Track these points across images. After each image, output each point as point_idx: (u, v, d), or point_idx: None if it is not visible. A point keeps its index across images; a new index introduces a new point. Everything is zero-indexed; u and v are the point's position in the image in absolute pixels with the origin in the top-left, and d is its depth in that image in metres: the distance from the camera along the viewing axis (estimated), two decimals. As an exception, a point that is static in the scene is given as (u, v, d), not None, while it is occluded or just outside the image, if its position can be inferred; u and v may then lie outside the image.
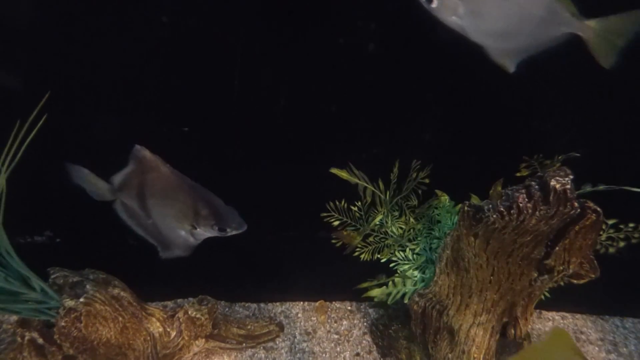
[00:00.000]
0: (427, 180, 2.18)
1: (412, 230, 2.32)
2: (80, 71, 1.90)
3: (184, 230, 1.77)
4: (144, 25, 1.84)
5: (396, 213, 2.30)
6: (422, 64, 1.97)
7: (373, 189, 2.20)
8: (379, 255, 2.31)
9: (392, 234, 2.30)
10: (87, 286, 1.89)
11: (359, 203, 2.24)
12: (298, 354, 2.38)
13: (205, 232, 1.75)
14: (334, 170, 2.13)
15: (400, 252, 2.32)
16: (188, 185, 1.72)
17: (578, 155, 1.94)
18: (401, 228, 2.31)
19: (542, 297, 2.11)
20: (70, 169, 1.76)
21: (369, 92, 2.06)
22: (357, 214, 2.27)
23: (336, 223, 2.26)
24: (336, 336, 2.48)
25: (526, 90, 1.98)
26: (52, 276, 1.90)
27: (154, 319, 2.09)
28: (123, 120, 2.00)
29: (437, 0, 1.40)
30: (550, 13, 1.34)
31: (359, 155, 2.19)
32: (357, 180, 2.15)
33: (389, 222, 2.29)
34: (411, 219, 2.32)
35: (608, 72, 1.50)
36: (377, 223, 2.28)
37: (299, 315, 2.58)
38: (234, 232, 1.74)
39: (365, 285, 2.41)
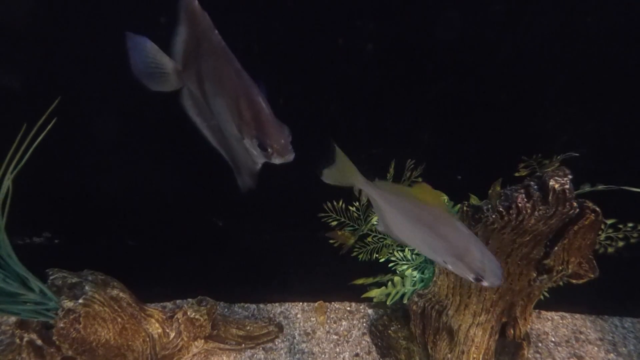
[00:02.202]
0: (419, 180, 2.18)
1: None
2: (80, 73, 1.90)
3: (238, 141, 1.27)
4: (143, 25, 1.84)
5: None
6: (421, 64, 1.97)
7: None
8: (377, 255, 2.32)
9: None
10: (86, 287, 1.88)
11: (357, 203, 2.25)
12: (297, 355, 2.38)
13: (249, 147, 1.25)
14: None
15: (399, 252, 2.32)
16: (235, 70, 1.19)
17: (577, 154, 1.94)
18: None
19: (541, 297, 2.11)
20: (131, 40, 1.30)
21: (368, 93, 2.06)
22: (355, 214, 2.27)
23: (334, 223, 2.26)
24: (335, 337, 2.48)
25: (525, 90, 1.99)
26: (51, 277, 1.90)
27: (153, 320, 2.09)
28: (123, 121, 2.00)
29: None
30: None
31: (358, 155, 2.18)
32: None
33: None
34: None
35: (608, 72, 1.51)
36: (375, 223, 2.28)
37: (298, 315, 2.58)
38: (278, 160, 1.24)
39: (360, 281, 2.40)
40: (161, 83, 1.31)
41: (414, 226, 1.35)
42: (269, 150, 1.19)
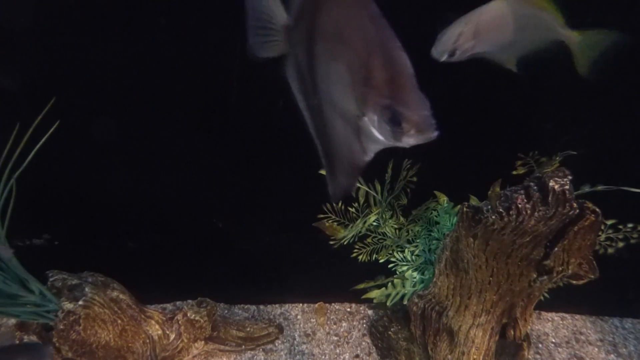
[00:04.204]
0: (414, 179, 2.18)
1: (409, 231, 2.32)
2: (79, 75, 1.90)
3: (350, 122, 0.95)
4: (143, 26, 1.84)
5: (390, 213, 2.30)
6: (421, 64, 1.97)
7: (367, 189, 2.20)
8: (377, 256, 2.32)
9: (389, 235, 2.30)
10: (86, 289, 1.88)
11: (356, 204, 2.25)
12: (297, 356, 2.38)
13: (371, 125, 0.90)
14: (324, 172, 2.12)
15: (399, 253, 2.32)
16: (370, 16, 0.88)
17: (575, 153, 1.94)
18: (399, 229, 2.31)
19: (542, 297, 2.11)
20: None
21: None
22: (354, 215, 2.27)
23: (333, 223, 2.26)
24: (335, 338, 2.47)
25: (524, 90, 1.99)
26: (51, 279, 1.90)
27: (153, 322, 2.08)
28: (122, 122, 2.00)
29: (459, 53, 1.49)
30: (542, 23, 1.51)
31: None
32: None
33: (384, 223, 2.29)
34: (401, 218, 2.32)
35: (608, 71, 1.51)
36: (374, 223, 2.28)
37: (298, 317, 2.58)
38: (414, 138, 0.88)
39: (362, 286, 2.41)
40: (267, 44, 1.05)
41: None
42: (404, 125, 0.86)
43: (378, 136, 0.91)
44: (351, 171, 1.03)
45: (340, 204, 2.24)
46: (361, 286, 2.42)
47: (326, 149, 1.06)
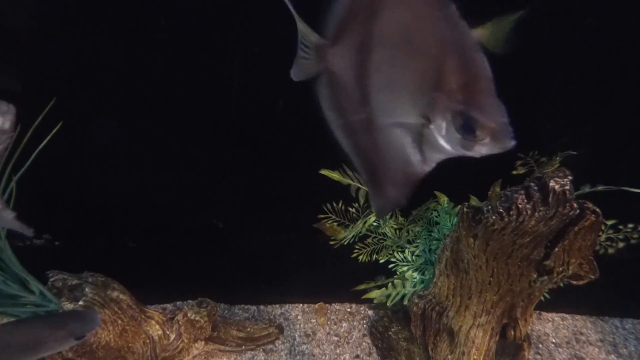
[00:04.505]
0: None
1: (409, 231, 2.32)
2: (79, 75, 1.90)
3: (410, 132, 0.89)
4: (142, 27, 1.84)
5: (390, 213, 2.30)
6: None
7: (367, 189, 2.20)
8: (377, 256, 2.31)
9: (390, 236, 2.30)
10: (86, 289, 1.88)
11: (357, 204, 2.25)
12: (297, 356, 2.37)
13: (438, 133, 0.84)
14: (325, 172, 2.13)
15: (400, 254, 2.32)
16: (446, 16, 0.81)
17: (575, 153, 1.94)
18: (399, 229, 2.31)
19: (542, 298, 2.10)
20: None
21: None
22: (355, 215, 2.27)
23: (333, 223, 2.26)
24: (336, 338, 2.47)
25: (525, 90, 1.98)
26: (51, 279, 1.90)
27: (153, 322, 2.08)
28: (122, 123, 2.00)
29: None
30: None
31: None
32: (349, 182, 2.15)
33: (384, 223, 2.29)
34: (400, 218, 2.31)
35: (607, 71, 1.51)
36: (374, 224, 2.28)
37: (299, 317, 2.58)
38: (490, 147, 0.82)
39: (363, 287, 2.41)
40: (298, 66, 1.03)
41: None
42: (479, 133, 0.78)
43: (444, 145, 0.84)
44: (405, 183, 0.97)
45: (340, 204, 2.24)
46: (362, 287, 2.41)
47: (372, 162, 1.00)
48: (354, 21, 0.91)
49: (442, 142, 0.84)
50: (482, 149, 0.81)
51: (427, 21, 0.82)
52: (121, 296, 1.98)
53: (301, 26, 0.99)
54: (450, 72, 0.79)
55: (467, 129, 0.79)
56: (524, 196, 1.57)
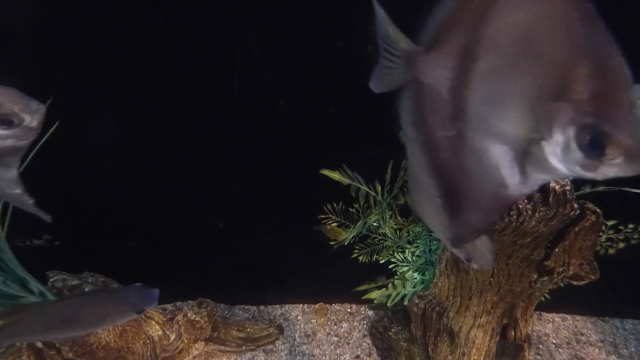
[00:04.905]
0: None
1: (410, 231, 2.32)
2: (79, 74, 1.90)
3: (513, 149, 0.78)
4: (142, 27, 1.84)
5: (390, 213, 2.30)
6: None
7: (367, 189, 2.20)
8: (377, 257, 2.31)
9: (390, 236, 2.30)
10: (86, 289, 1.88)
11: (357, 205, 2.25)
12: (298, 357, 2.37)
13: (551, 150, 0.72)
14: (325, 172, 2.13)
15: (400, 254, 2.32)
16: (580, 14, 0.69)
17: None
18: (399, 229, 2.31)
19: (542, 298, 2.10)
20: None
21: (368, 94, 2.06)
22: (356, 216, 2.27)
23: (334, 225, 2.26)
24: (336, 338, 2.47)
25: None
26: (51, 279, 1.90)
27: (153, 322, 2.08)
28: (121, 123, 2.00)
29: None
30: None
31: (358, 156, 2.19)
32: (349, 182, 2.15)
33: (384, 223, 2.29)
34: (399, 218, 2.31)
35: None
36: (374, 224, 2.28)
37: (299, 317, 2.58)
38: (617, 168, 0.69)
39: (363, 288, 2.41)
40: (382, 74, 0.95)
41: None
42: (610, 150, 0.67)
43: (556, 165, 0.72)
44: (493, 208, 0.85)
45: (340, 204, 2.24)
46: (362, 288, 2.41)
47: (454, 184, 0.87)
48: (456, 26, 0.81)
49: (555, 161, 0.72)
50: (610, 170, 0.69)
51: (555, 21, 0.71)
52: (121, 296, 1.98)
53: (391, 31, 0.90)
54: (580, 81, 0.67)
55: (595, 145, 0.67)
56: (524, 196, 1.57)
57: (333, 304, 2.64)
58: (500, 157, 0.80)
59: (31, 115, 1.07)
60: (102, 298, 1.52)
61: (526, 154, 0.75)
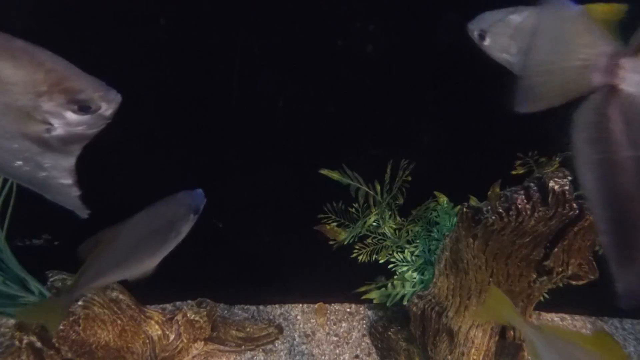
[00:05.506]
0: (409, 178, 2.18)
1: (409, 231, 2.32)
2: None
3: None
4: (142, 27, 1.84)
5: (389, 213, 2.30)
6: (421, 65, 1.97)
7: (367, 189, 2.20)
8: (376, 256, 2.31)
9: (389, 236, 2.30)
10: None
11: (357, 204, 2.25)
12: (297, 356, 2.37)
13: None
14: (325, 172, 2.13)
15: (399, 254, 2.32)
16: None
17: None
18: (398, 229, 2.31)
19: (541, 298, 2.10)
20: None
21: (368, 94, 2.06)
22: (355, 216, 2.27)
23: (333, 225, 2.26)
24: (335, 338, 2.47)
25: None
26: (51, 279, 1.90)
27: (152, 322, 2.08)
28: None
29: (490, 39, 1.26)
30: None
31: (358, 156, 2.19)
32: (349, 182, 2.15)
33: (384, 223, 2.29)
34: (398, 218, 2.31)
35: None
36: (373, 224, 2.28)
37: (298, 317, 2.58)
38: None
39: (363, 289, 2.41)
40: (566, 83, 0.80)
41: None
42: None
43: None
44: None
45: (340, 204, 2.24)
46: (362, 289, 2.41)
47: (631, 217, 0.71)
48: None
49: None
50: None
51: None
52: (120, 296, 1.97)
53: (588, 27, 0.75)
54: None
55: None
56: (523, 196, 1.57)
57: (332, 304, 2.64)
58: None
59: (108, 104, 1.08)
60: (163, 207, 1.52)
61: None
